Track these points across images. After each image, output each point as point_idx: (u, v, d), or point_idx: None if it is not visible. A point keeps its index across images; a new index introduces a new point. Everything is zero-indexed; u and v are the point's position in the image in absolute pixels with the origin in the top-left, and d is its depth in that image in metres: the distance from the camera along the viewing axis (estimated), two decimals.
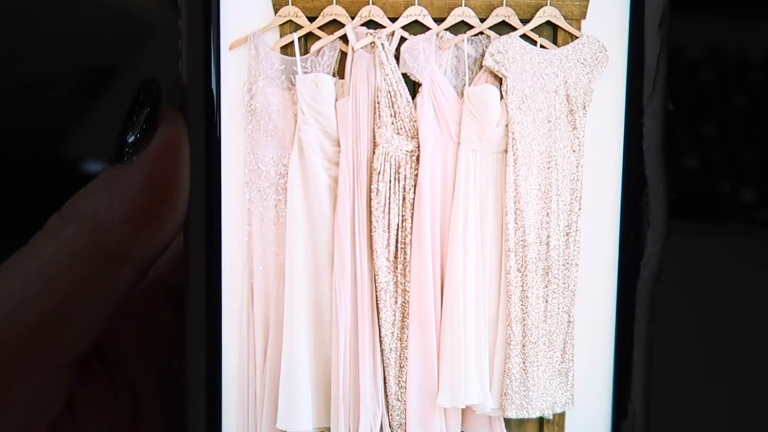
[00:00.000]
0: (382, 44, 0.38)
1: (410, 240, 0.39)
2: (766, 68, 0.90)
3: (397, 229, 0.39)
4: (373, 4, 0.38)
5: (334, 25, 0.38)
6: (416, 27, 0.38)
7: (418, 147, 0.39)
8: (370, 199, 0.39)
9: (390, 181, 0.39)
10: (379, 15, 0.38)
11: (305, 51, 0.39)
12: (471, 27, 0.38)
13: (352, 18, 0.38)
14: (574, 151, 0.39)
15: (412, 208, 0.39)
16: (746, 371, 0.66)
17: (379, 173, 0.39)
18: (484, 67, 0.39)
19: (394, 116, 0.39)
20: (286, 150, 0.39)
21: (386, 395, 0.40)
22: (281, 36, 0.38)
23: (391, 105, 0.39)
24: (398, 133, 0.39)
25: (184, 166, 0.36)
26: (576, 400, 0.40)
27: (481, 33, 0.39)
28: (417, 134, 0.39)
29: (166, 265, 0.40)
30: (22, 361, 0.35)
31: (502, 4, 0.38)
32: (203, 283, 0.38)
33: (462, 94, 0.39)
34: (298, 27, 0.38)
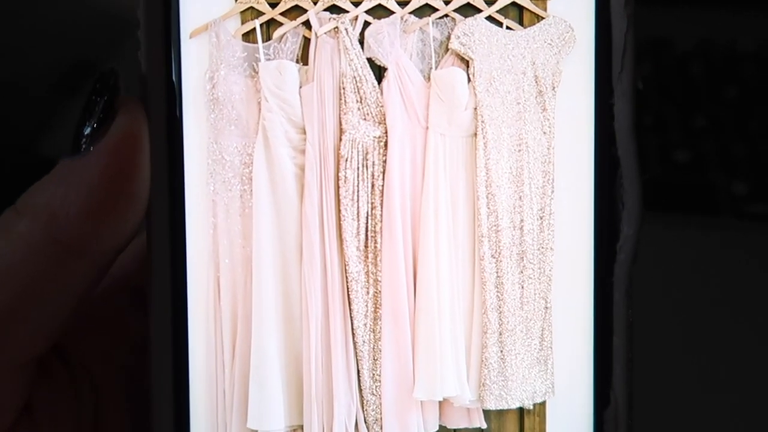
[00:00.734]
0: (346, 29, 0.38)
1: (380, 228, 0.38)
2: (757, 60, 0.90)
3: (367, 217, 0.38)
4: None
5: (297, 10, 0.38)
6: (380, 11, 0.38)
7: (386, 133, 0.38)
8: (338, 188, 0.38)
9: (358, 168, 0.38)
10: (341, 0, 0.38)
11: (268, 38, 0.38)
12: (436, 10, 0.38)
13: (315, 3, 0.37)
14: (544, 133, 0.38)
15: (382, 196, 0.38)
16: (730, 357, 0.65)
17: (346, 160, 0.38)
18: (450, 50, 0.38)
19: (360, 102, 0.38)
20: (251, 139, 0.38)
21: (360, 390, 0.38)
22: (243, 23, 0.38)
23: (356, 90, 0.38)
24: (365, 119, 0.38)
25: (143, 157, 0.35)
26: (556, 388, 0.39)
27: (446, 16, 0.38)
28: (384, 120, 0.38)
29: (131, 262, 0.39)
30: None
31: None
32: (168, 278, 0.37)
33: (429, 78, 0.38)
34: (260, 13, 0.38)
